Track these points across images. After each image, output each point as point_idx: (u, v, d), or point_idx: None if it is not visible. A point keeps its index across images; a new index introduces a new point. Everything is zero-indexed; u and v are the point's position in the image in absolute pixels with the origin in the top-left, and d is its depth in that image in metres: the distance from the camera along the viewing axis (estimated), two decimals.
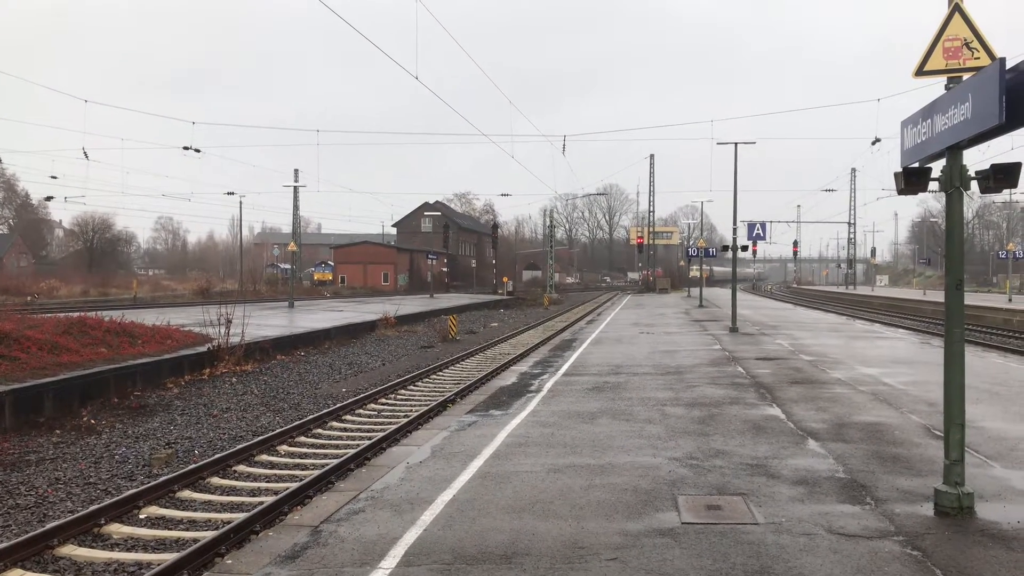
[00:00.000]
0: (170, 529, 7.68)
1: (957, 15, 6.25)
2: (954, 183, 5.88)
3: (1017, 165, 5.59)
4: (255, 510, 7.68)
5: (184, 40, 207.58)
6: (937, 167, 6.17)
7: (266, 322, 27.87)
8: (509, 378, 14.43)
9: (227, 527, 7.14)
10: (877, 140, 37.18)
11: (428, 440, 8.96)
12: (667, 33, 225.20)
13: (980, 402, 10.87)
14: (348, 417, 13.19)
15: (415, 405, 14.34)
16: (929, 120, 6.10)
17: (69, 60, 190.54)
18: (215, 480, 9.34)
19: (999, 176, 5.66)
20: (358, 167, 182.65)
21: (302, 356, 22.30)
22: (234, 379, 17.45)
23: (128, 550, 7.10)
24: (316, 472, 9.22)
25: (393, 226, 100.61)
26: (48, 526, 7.26)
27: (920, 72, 6.38)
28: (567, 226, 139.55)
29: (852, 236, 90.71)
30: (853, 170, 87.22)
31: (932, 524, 5.76)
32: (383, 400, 14.84)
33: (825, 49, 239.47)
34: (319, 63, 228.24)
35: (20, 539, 6.88)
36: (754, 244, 27.64)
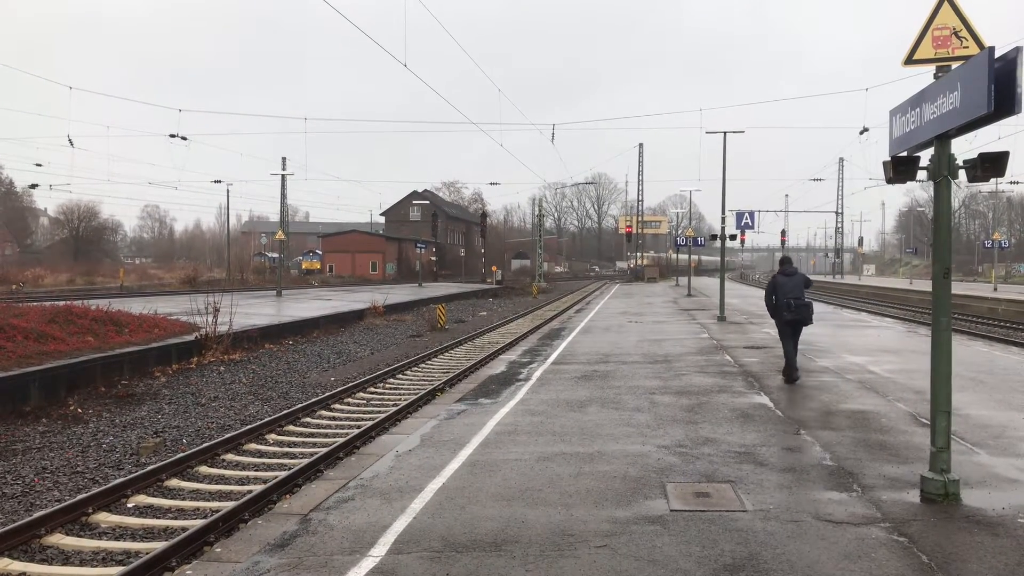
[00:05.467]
0: (158, 518, 7.66)
1: (946, 4, 6.26)
2: (942, 172, 5.89)
3: (1004, 154, 5.60)
4: (244, 499, 7.66)
5: (179, 33, 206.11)
6: (925, 156, 6.18)
7: (254, 311, 27.75)
8: (498, 367, 14.43)
9: (216, 516, 7.13)
10: (865, 129, 37.21)
11: (417, 428, 8.95)
12: (665, 40, 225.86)
13: (966, 390, 10.96)
14: (337, 406, 13.17)
15: (404, 394, 14.33)
16: (918, 109, 6.10)
17: (66, 58, 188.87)
18: (203, 469, 9.31)
19: (986, 165, 5.67)
20: (347, 156, 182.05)
21: (290, 345, 22.23)
22: (222, 368, 17.38)
23: (116, 539, 7.08)
24: (305, 461, 9.21)
25: (382, 215, 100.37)
26: (35, 515, 7.22)
27: (909, 61, 6.39)
28: (556, 215, 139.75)
29: (840, 225, 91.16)
30: (841, 159, 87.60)
31: (918, 511, 5.80)
32: (372, 389, 14.82)
33: (822, 55, 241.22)
34: (311, 54, 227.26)
35: (7, 528, 6.83)
36: (742, 233, 27.76)
